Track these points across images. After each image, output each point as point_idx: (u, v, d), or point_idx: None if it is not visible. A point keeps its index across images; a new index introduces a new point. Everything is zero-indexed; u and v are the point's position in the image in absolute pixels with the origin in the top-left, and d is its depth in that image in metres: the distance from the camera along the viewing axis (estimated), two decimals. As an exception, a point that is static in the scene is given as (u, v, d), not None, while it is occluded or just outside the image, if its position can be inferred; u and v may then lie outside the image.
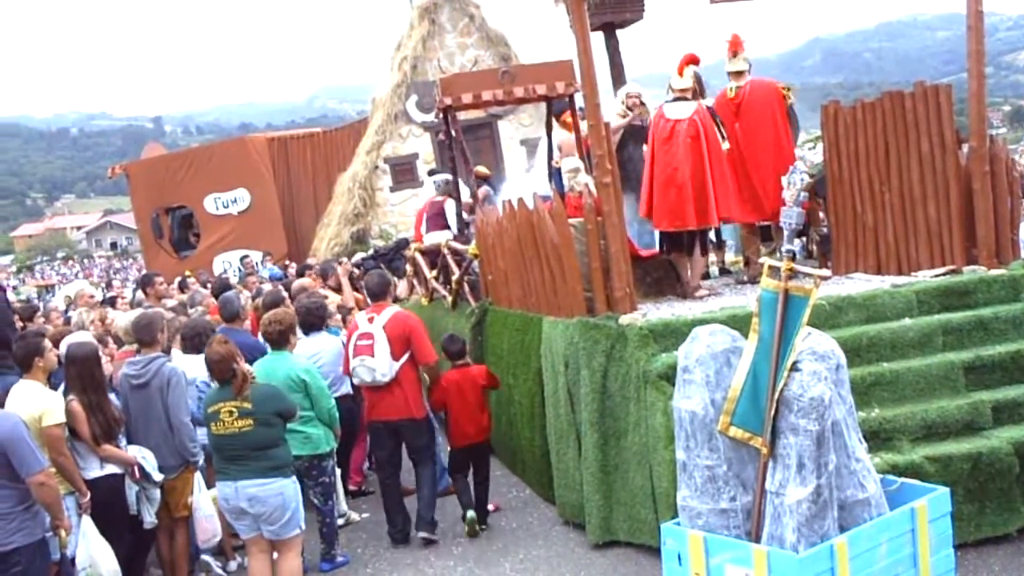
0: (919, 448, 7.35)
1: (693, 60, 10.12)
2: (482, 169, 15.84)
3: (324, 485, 8.75)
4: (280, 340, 8.60)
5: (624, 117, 11.26)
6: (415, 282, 15.05)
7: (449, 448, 9.70)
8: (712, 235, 10.95)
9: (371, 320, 9.21)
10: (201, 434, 8.40)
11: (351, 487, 10.83)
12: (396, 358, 9.07)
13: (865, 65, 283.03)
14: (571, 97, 12.66)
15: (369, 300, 9.74)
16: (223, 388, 7.49)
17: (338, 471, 9.53)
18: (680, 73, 10.00)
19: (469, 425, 9.39)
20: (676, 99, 9.91)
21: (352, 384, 10.07)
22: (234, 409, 7.38)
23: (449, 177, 14.28)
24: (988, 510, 7.30)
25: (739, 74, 10.46)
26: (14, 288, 67.53)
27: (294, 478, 7.70)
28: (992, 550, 7.24)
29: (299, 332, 9.50)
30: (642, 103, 11.52)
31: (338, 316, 11.27)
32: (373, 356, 8.99)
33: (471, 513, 9.30)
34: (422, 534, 9.19)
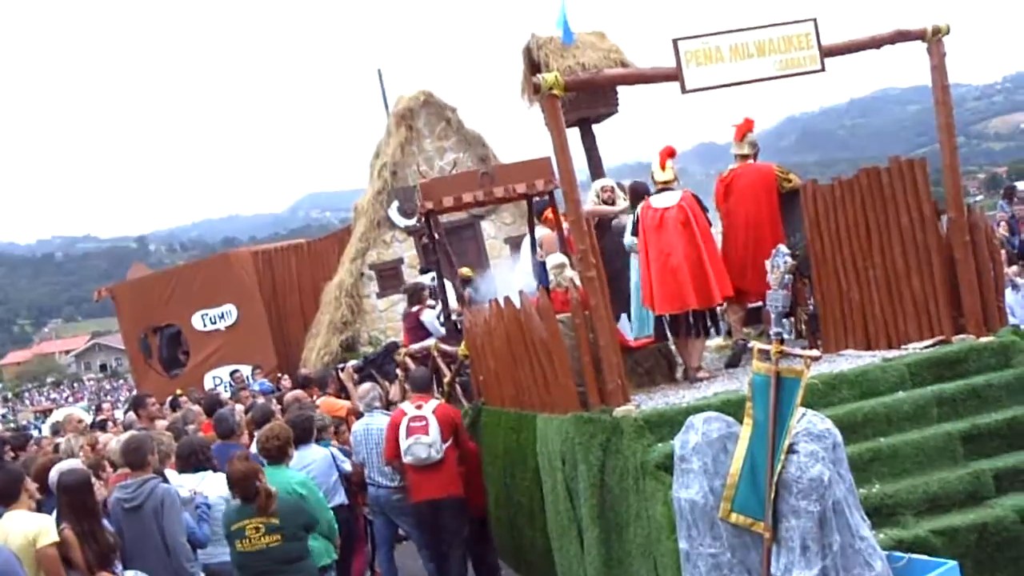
0: (923, 521, 7.26)
1: (672, 153, 10.21)
2: (465, 271, 15.94)
3: (327, 598, 8.65)
4: (278, 455, 8.55)
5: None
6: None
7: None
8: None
9: (419, 407, 10.30)
10: (202, 554, 8.35)
11: (354, 597, 10.71)
12: (444, 440, 10.17)
13: (840, 142, 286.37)
14: (551, 194, 12.77)
15: (412, 391, 10.88)
16: (245, 505, 7.46)
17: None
18: (662, 166, 10.07)
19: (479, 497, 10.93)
20: (661, 190, 9.99)
21: (347, 494, 10.21)
22: (260, 525, 7.39)
23: (419, 282, 14.42)
24: (999, 581, 7.21)
25: (744, 157, 10.58)
26: (3, 416, 67.40)
27: None
28: (1006, 621, 7.14)
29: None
30: (614, 193, 11.68)
31: (332, 428, 11.20)
32: (428, 434, 10.07)
33: None
34: None
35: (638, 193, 11.37)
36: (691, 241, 9.64)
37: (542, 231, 12.90)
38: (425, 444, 10.02)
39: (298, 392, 14.24)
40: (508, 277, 14.27)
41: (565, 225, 11.61)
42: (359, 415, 11.63)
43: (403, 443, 10.10)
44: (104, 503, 8.16)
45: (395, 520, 10.98)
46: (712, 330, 10.15)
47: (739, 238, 10.29)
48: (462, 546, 10.39)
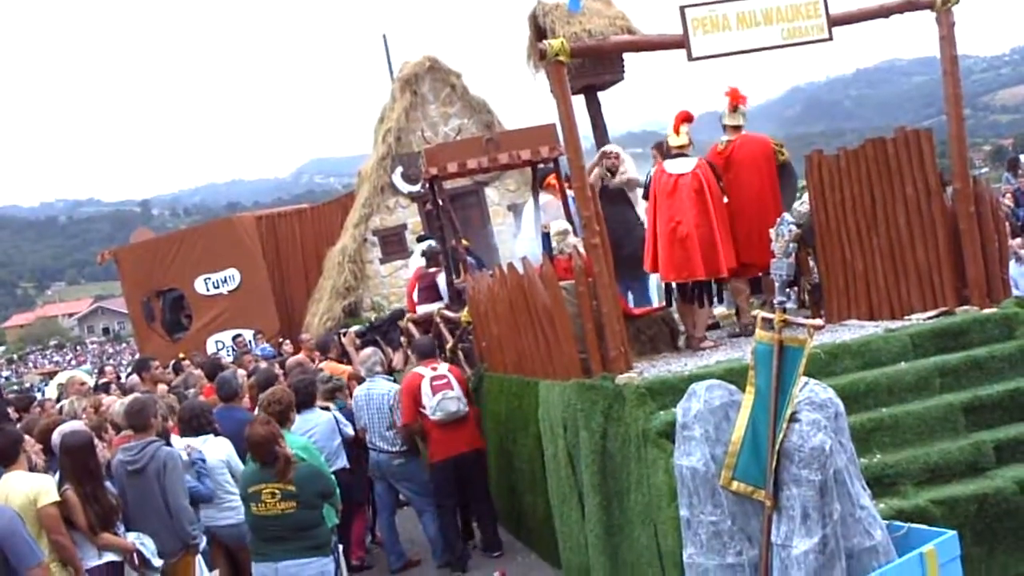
0: (924, 492, 7.28)
1: (688, 118, 10.12)
2: (464, 242, 15.96)
3: (327, 561, 8.69)
4: (280, 419, 8.56)
5: (602, 177, 11.33)
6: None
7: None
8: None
9: (435, 368, 10.65)
10: (206, 517, 8.38)
11: (353, 562, 10.75)
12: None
13: (846, 112, 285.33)
14: (555, 160, 12.73)
15: (418, 359, 11.18)
16: (263, 469, 7.48)
17: (340, 547, 9.46)
18: (676, 131, 10.00)
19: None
20: (676, 155, 9.92)
21: (348, 458, 10.24)
22: (277, 491, 7.39)
23: (434, 243, 14.39)
24: (998, 551, 7.22)
25: (736, 128, 10.39)
26: (6, 378, 67.72)
27: (332, 558, 7.72)
28: (1004, 591, 7.16)
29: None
30: (619, 159, 11.61)
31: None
32: (452, 389, 10.45)
33: None
34: (495, 554, 10.64)
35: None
36: (703, 210, 9.58)
37: (544, 196, 12.88)
38: (454, 398, 10.38)
39: (300, 356, 14.27)
40: (511, 244, 14.28)
41: (570, 192, 11.58)
42: (360, 380, 11.65)
43: (430, 401, 10.35)
44: (107, 465, 8.18)
45: (395, 486, 11.01)
46: (716, 299, 10.13)
47: (745, 210, 10.11)
48: (485, 498, 10.81)
